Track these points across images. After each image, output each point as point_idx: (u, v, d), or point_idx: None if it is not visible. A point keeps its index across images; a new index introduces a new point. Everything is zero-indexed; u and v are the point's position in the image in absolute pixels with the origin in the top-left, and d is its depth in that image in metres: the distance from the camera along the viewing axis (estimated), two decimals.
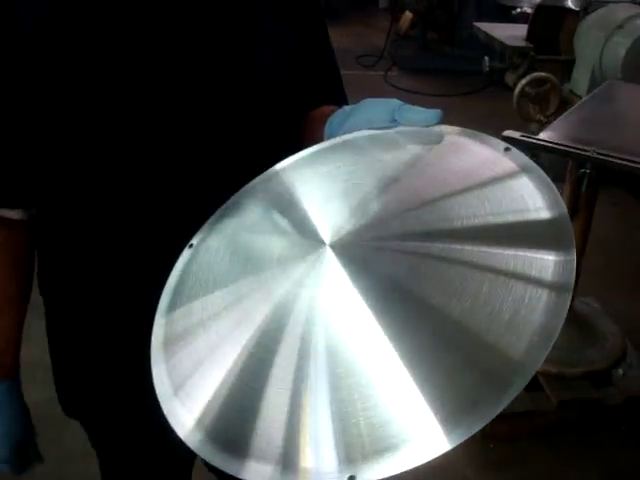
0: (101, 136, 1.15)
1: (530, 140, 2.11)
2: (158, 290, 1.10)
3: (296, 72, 1.30)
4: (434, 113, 1.03)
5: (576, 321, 3.13)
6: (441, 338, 0.74)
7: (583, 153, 2.05)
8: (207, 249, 1.03)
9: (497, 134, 6.07)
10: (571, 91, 4.01)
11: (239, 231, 1.03)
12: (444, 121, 1.03)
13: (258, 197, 1.07)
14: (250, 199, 1.08)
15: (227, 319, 0.90)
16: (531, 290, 0.74)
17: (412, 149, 1.00)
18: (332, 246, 0.88)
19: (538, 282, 0.75)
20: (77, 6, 1.09)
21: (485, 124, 6.40)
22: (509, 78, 4.11)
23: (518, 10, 4.93)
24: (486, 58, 4.17)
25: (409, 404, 0.70)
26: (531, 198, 0.84)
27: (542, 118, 3.90)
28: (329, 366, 0.77)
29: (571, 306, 3.04)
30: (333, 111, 1.19)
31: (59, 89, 1.11)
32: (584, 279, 3.07)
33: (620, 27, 3.75)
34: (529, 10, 4.96)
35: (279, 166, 1.11)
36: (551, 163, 5.37)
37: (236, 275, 0.94)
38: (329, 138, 1.13)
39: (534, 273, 0.76)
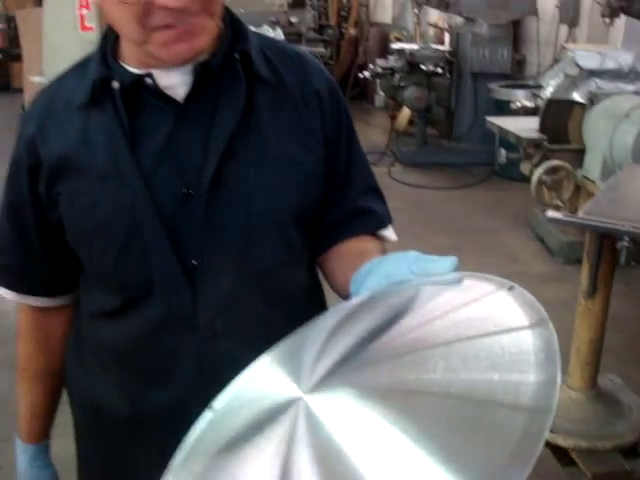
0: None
1: (572, 220, 2.32)
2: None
3: (314, 192, 1.35)
4: (449, 261, 1.04)
5: (602, 397, 3.25)
6: (408, 464, 0.72)
7: (621, 228, 2.25)
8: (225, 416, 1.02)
9: (505, 222, 6.24)
10: (584, 177, 4.25)
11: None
12: (459, 267, 1.04)
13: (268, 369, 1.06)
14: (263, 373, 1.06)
15: None
16: (507, 413, 0.73)
17: (419, 296, 1.01)
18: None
19: (515, 406, 0.73)
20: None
21: (492, 213, 6.69)
22: (524, 168, 4.35)
23: (518, 104, 5.20)
24: (503, 150, 4.43)
25: None
26: (518, 322, 0.85)
27: (559, 203, 4.13)
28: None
29: (596, 383, 3.16)
30: (367, 257, 1.23)
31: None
32: (605, 357, 3.22)
33: (627, 116, 4.02)
34: (528, 103, 5.22)
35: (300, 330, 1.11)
36: (561, 248, 5.55)
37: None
38: (354, 295, 1.16)
39: (511, 397, 0.74)
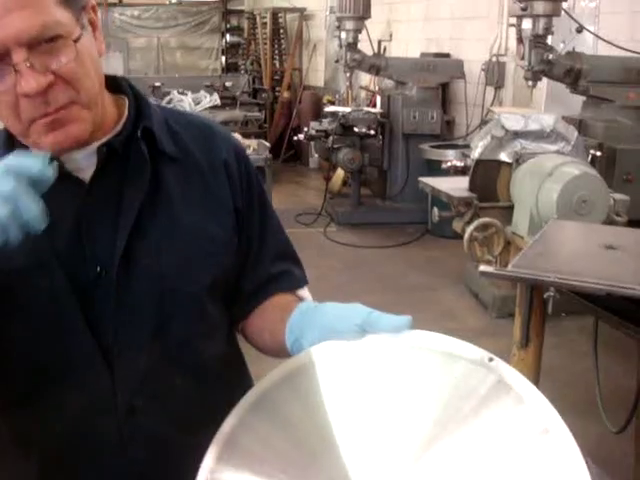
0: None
1: (502, 273, 2.45)
2: None
3: (226, 262, 1.35)
4: (404, 320, 1.05)
5: None
6: None
7: (546, 279, 2.39)
8: None
9: (440, 278, 6.37)
10: (513, 232, 4.44)
11: None
12: (412, 327, 1.05)
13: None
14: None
15: None
16: None
17: (394, 368, 1.03)
18: None
19: None
20: None
21: (427, 270, 6.83)
22: (456, 225, 4.52)
23: (448, 164, 5.40)
24: (435, 209, 4.60)
25: None
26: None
27: (490, 258, 4.29)
28: None
29: None
30: (291, 309, 1.23)
31: None
32: None
33: (550, 174, 4.24)
34: (458, 163, 5.41)
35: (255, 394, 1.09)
36: (494, 302, 5.72)
37: None
38: (293, 347, 1.17)
39: None
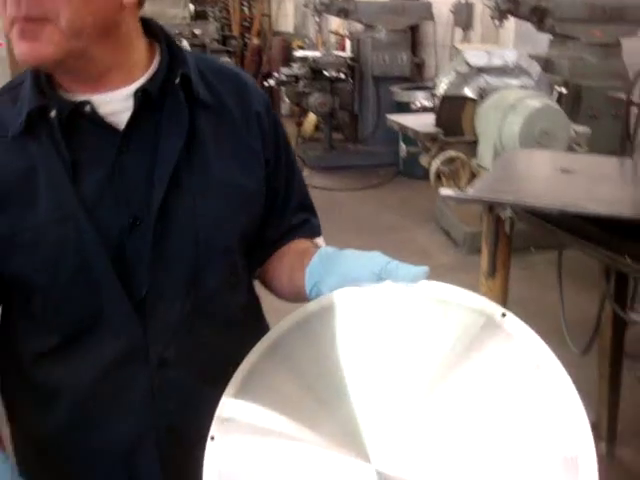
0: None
1: (462, 197, 2.55)
2: None
3: (256, 213, 1.35)
4: (421, 271, 1.05)
5: None
6: None
7: (505, 201, 2.49)
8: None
9: (412, 218, 6.41)
10: (478, 165, 4.54)
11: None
12: (429, 277, 1.06)
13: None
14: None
15: None
16: None
17: (412, 318, 1.04)
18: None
19: None
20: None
21: (399, 211, 6.90)
22: (423, 160, 4.61)
23: (418, 104, 5.47)
24: (402, 145, 4.69)
25: None
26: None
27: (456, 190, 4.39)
28: None
29: None
30: (310, 254, 1.24)
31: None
32: None
33: (513, 108, 4.34)
34: (427, 103, 5.47)
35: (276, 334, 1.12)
36: (464, 239, 5.81)
37: None
38: (311, 292, 1.17)
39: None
